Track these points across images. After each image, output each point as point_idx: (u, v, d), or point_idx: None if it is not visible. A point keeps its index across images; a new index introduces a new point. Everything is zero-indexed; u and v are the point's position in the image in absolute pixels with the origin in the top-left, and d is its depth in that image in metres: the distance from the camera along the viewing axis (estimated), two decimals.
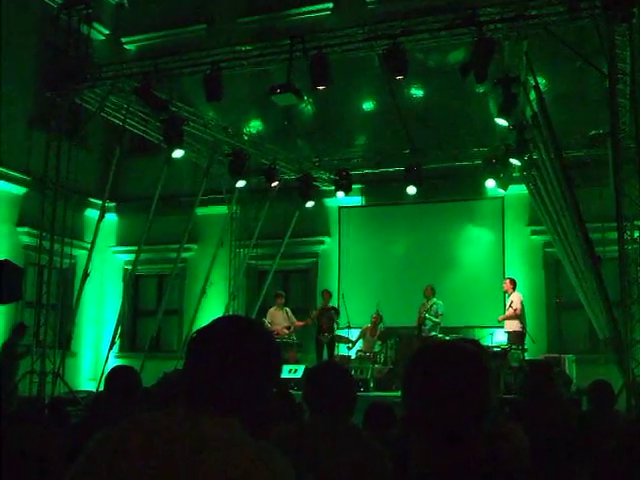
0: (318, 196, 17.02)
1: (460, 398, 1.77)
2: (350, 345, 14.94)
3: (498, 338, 14.44)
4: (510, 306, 13.84)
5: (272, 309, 15.43)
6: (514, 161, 14.04)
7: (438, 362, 1.84)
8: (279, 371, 1.99)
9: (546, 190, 12.57)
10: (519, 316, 13.66)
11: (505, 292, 14.26)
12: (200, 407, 1.81)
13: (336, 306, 15.51)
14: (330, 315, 15.05)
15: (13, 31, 15.67)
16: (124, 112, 14.04)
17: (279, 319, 15.11)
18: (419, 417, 1.81)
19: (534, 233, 15.49)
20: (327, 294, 15.54)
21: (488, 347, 12.78)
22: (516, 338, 13.47)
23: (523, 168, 14.10)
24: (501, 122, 12.12)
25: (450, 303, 14.69)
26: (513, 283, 14.13)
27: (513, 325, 13.65)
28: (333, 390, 3.33)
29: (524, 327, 13.58)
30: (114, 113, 14.32)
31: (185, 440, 1.73)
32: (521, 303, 13.87)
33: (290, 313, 15.45)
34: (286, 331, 15.02)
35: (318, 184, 17.12)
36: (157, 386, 4.97)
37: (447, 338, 12.77)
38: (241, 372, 1.85)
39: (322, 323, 15.09)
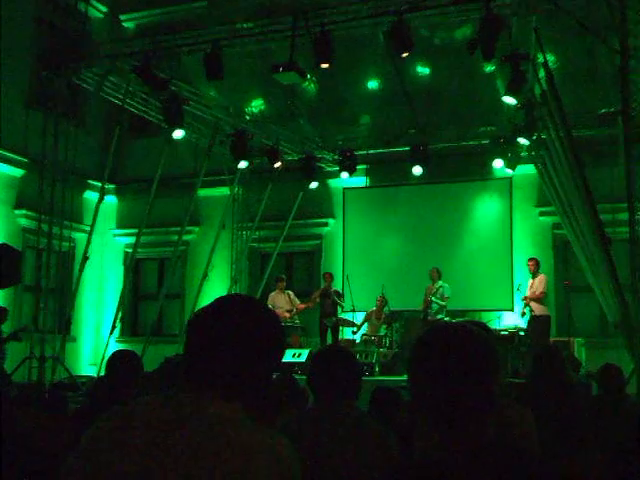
0: (322, 177, 16.99)
1: (467, 381, 1.77)
2: (355, 329, 14.97)
3: (507, 321, 14.44)
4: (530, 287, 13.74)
5: (273, 293, 15.44)
6: (522, 140, 13.98)
7: (444, 345, 1.83)
8: (281, 351, 1.98)
9: (555, 170, 12.51)
10: (541, 299, 13.56)
11: (532, 273, 14.01)
12: (201, 391, 1.80)
13: (339, 289, 15.54)
14: (333, 299, 15.06)
15: (9, 9, 15.59)
16: (123, 92, 14.01)
17: (281, 303, 15.12)
18: (425, 401, 1.81)
19: (543, 214, 15.45)
20: (329, 276, 15.55)
21: (496, 330, 12.78)
22: (542, 323, 13.35)
23: (531, 148, 14.04)
24: (509, 100, 12.06)
25: (457, 286, 14.69)
26: (538, 264, 13.94)
27: (540, 309, 13.53)
28: (338, 374, 3.33)
29: (532, 311, 13.49)
30: (113, 93, 14.28)
31: (186, 426, 1.73)
32: (545, 285, 13.70)
33: (293, 296, 15.45)
34: (287, 315, 15.03)
35: (322, 165, 17.09)
36: (158, 371, 4.99)
37: (454, 321, 12.75)
38: (242, 353, 1.84)
39: (326, 307, 15.12)
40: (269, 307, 2.09)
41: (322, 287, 15.60)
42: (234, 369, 1.83)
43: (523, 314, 13.65)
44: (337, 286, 15.68)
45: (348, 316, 15.19)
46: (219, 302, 1.96)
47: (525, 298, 13.60)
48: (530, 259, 14.05)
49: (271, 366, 1.91)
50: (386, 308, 14.83)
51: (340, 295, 15.31)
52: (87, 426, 1.85)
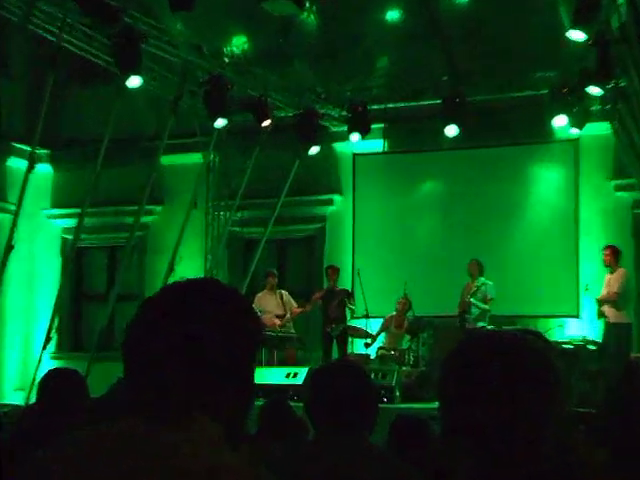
0: (325, 140, 16.99)
1: (517, 407, 1.76)
2: (369, 340, 14.99)
3: (572, 331, 14.44)
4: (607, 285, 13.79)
5: (261, 293, 15.46)
6: (593, 90, 13.94)
7: (487, 354, 1.82)
8: (253, 352, 1.92)
9: (637, 129, 12.50)
10: (616, 301, 13.59)
11: (608, 267, 14.02)
12: (158, 420, 1.76)
13: (348, 289, 15.54)
14: (341, 300, 15.06)
15: None
16: (60, 25, 13.95)
17: (270, 306, 15.14)
18: (460, 431, 1.80)
19: (619, 188, 15.44)
20: (333, 272, 15.56)
21: (556, 342, 12.80)
22: (619, 333, 13.36)
23: (606, 99, 14.02)
24: (576, 36, 12.03)
25: (504, 284, 14.71)
26: (617, 254, 13.97)
27: (615, 314, 13.57)
28: (346, 400, 3.33)
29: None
30: (46, 26, 14.21)
31: (145, 463, 1.71)
32: (622, 283, 13.74)
33: (287, 296, 15.48)
34: (277, 321, 15.02)
35: (325, 123, 17.08)
36: (109, 395, 4.98)
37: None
38: (199, 364, 1.78)
39: (330, 311, 15.11)
40: (238, 290, 2.02)
41: (326, 287, 15.60)
42: (189, 387, 1.77)
43: (601, 314, 13.70)
44: (345, 284, 15.68)
45: (360, 323, 15.20)
46: (174, 289, 1.89)
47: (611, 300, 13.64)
48: (606, 247, 14.05)
49: (252, 376, 1.88)
50: (410, 313, 14.85)
51: (350, 295, 15.31)
52: (10, 470, 1.83)
